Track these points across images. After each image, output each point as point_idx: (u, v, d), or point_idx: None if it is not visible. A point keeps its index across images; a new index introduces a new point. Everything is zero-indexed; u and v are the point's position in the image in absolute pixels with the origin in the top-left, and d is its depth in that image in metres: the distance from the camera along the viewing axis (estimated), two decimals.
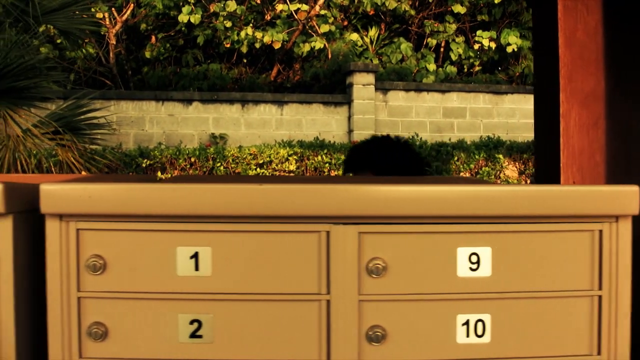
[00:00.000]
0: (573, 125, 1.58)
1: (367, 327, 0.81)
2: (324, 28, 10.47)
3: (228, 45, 10.56)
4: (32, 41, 5.74)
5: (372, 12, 10.89)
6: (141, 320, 0.81)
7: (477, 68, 11.31)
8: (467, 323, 0.82)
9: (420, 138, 8.53)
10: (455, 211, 0.80)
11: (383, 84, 9.39)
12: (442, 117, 9.48)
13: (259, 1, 10.72)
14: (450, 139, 8.94)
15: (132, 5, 10.46)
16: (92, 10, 8.43)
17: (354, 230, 0.81)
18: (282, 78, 11.04)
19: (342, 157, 7.46)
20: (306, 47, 10.45)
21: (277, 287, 0.81)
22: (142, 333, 0.81)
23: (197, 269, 0.81)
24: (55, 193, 0.78)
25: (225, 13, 10.14)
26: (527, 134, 9.32)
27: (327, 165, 7.85)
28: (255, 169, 7.69)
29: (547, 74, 1.64)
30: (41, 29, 6.13)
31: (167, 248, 0.80)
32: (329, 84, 9.94)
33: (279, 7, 10.46)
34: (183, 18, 10.11)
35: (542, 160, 1.73)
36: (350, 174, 2.10)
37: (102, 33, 10.02)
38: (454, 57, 11.12)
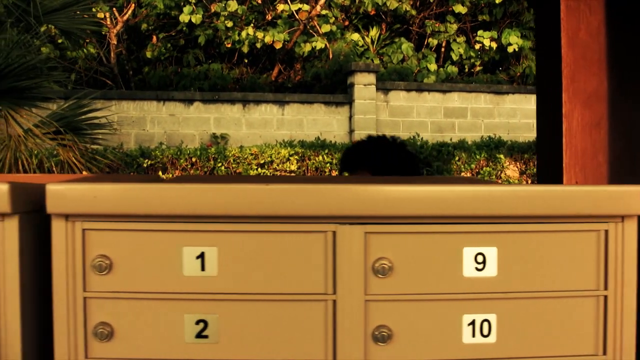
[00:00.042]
0: (576, 125, 1.57)
1: (373, 327, 0.81)
2: (325, 28, 10.47)
3: (229, 45, 10.56)
4: (34, 41, 5.74)
5: (373, 12, 10.89)
6: (147, 321, 0.81)
7: (478, 68, 11.31)
8: (473, 323, 0.82)
9: (422, 138, 8.53)
10: (461, 211, 0.80)
11: (384, 84, 9.39)
12: (443, 117, 9.48)
13: (260, 1, 10.72)
14: (451, 139, 8.94)
15: (133, 5, 10.46)
16: (93, 10, 8.44)
17: (360, 230, 0.81)
18: (283, 78, 11.04)
19: None
20: (307, 47, 10.45)
21: (284, 287, 0.81)
22: (148, 333, 0.81)
23: (203, 269, 0.80)
24: (62, 193, 0.78)
25: (226, 13, 10.14)
26: (528, 134, 9.31)
27: (328, 165, 7.85)
28: (257, 169, 7.70)
29: (550, 74, 1.64)
30: (42, 29, 6.13)
31: (174, 248, 0.80)
32: (330, 84, 9.94)
33: (280, 7, 10.46)
34: (184, 18, 10.12)
35: (545, 160, 1.73)
36: (346, 174, 2.11)
37: (103, 33, 10.02)
38: (455, 57, 11.12)
